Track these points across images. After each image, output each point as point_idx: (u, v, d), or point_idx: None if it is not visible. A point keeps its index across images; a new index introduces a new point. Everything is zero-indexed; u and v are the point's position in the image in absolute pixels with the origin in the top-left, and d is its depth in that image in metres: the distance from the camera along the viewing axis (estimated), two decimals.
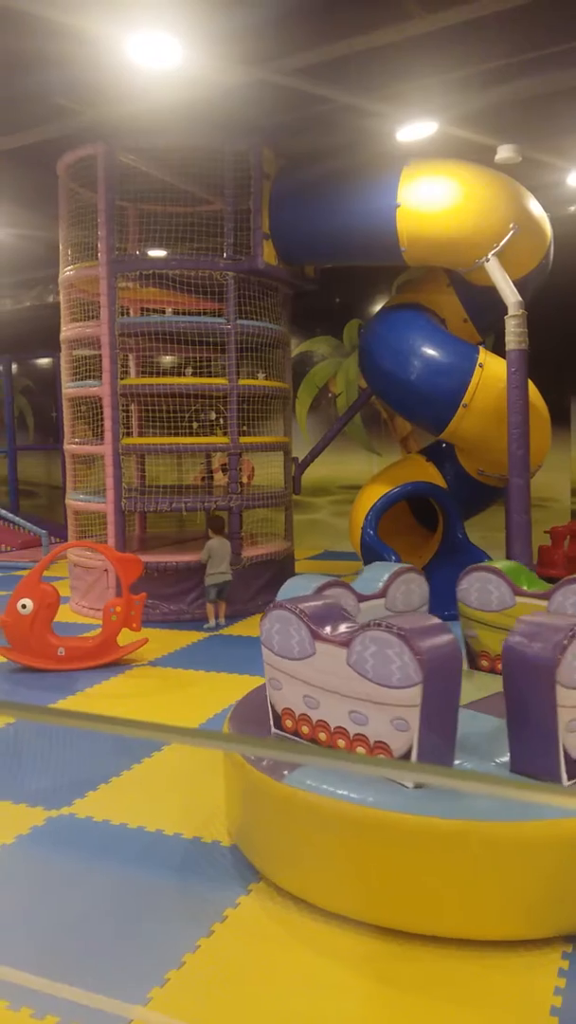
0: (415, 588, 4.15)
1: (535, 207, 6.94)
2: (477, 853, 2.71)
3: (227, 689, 5.35)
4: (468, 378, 6.73)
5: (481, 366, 6.74)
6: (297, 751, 1.52)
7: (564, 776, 2.86)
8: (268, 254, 7.42)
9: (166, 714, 5.02)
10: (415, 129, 6.64)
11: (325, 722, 3.16)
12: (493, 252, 6.59)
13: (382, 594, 4.05)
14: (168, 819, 3.63)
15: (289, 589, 3.81)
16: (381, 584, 4.05)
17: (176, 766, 4.21)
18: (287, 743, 3.16)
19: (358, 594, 3.96)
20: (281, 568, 7.82)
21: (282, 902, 3.01)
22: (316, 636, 3.15)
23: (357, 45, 5.84)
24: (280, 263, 7.56)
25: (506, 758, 3.02)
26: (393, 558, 6.71)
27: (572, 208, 8.24)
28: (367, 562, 7.07)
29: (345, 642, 3.03)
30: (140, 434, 8.26)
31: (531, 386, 6.51)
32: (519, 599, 3.99)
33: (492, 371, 6.67)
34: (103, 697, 5.43)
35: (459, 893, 2.74)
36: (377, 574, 4.14)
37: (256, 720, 3.52)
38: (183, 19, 5.11)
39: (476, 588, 4.13)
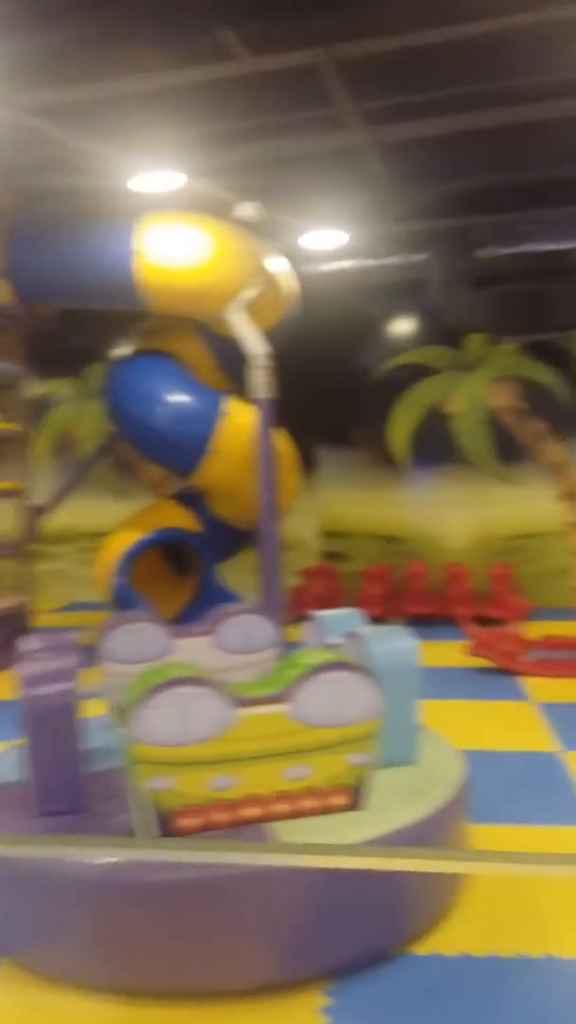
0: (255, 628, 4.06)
1: (278, 264, 7.26)
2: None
3: None
4: (214, 425, 6.80)
5: (227, 414, 6.84)
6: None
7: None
8: (2, 292, 7.08)
9: None
10: (156, 179, 6.69)
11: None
12: (237, 305, 6.77)
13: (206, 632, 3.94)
14: None
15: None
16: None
17: None
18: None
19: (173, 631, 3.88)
20: (15, 624, 7.26)
21: (29, 983, 2.67)
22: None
23: (96, 91, 5.81)
24: (16, 302, 7.23)
25: None
26: (145, 608, 6.52)
27: (313, 267, 8.72)
28: (118, 611, 6.81)
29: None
30: None
31: (279, 433, 6.71)
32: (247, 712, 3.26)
33: (238, 419, 6.79)
34: None
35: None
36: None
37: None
38: None
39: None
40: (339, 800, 2.99)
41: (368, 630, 3.48)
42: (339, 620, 3.82)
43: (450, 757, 3.49)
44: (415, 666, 3.40)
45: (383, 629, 3.52)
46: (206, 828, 2.88)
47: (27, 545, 7.83)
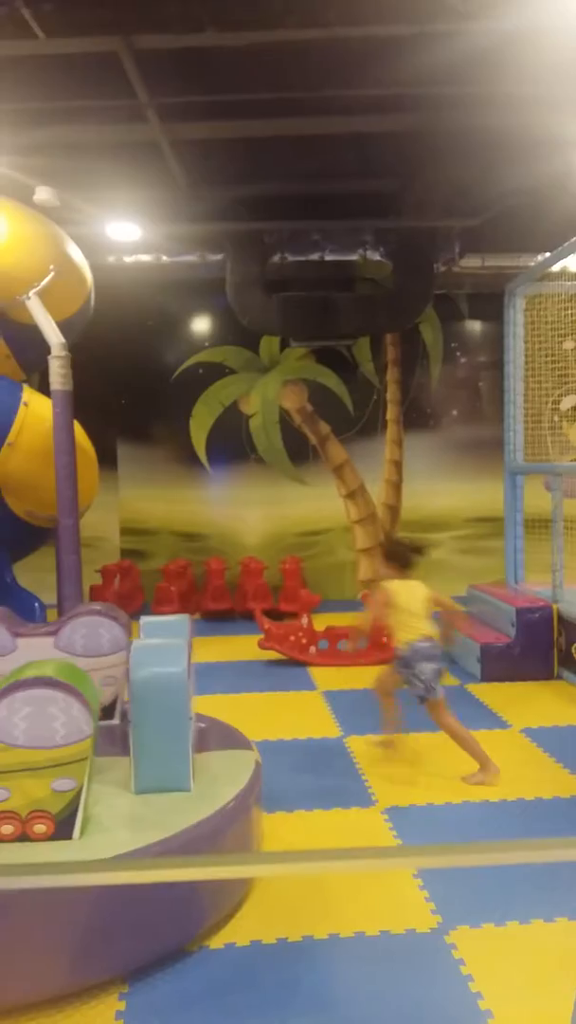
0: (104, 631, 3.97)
1: (75, 252, 7.07)
2: None
3: None
4: (12, 416, 6.53)
5: (26, 404, 6.59)
6: None
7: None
8: None
9: None
10: None
11: None
12: (34, 291, 6.53)
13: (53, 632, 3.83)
14: None
15: None
16: None
17: None
18: None
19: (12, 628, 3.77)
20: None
21: None
22: None
23: None
24: None
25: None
26: None
27: (111, 259, 8.58)
28: None
29: None
30: None
31: (78, 427, 6.56)
32: None
33: (37, 410, 6.57)
34: None
35: None
36: None
37: None
38: None
39: None
40: (41, 828, 2.80)
41: (139, 645, 3.30)
42: (166, 626, 3.72)
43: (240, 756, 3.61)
44: (182, 691, 3.19)
45: (157, 646, 3.31)
46: None
47: None
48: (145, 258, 8.76)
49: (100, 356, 7.84)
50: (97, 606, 3.96)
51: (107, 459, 8.18)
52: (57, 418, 6.23)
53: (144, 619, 3.76)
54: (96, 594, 8.36)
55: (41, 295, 6.54)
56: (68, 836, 2.81)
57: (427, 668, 4.19)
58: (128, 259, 8.75)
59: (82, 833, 2.84)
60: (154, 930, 2.81)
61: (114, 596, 8.34)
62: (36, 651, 3.70)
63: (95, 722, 2.89)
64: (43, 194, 7.00)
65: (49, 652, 3.74)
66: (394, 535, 6.38)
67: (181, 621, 3.77)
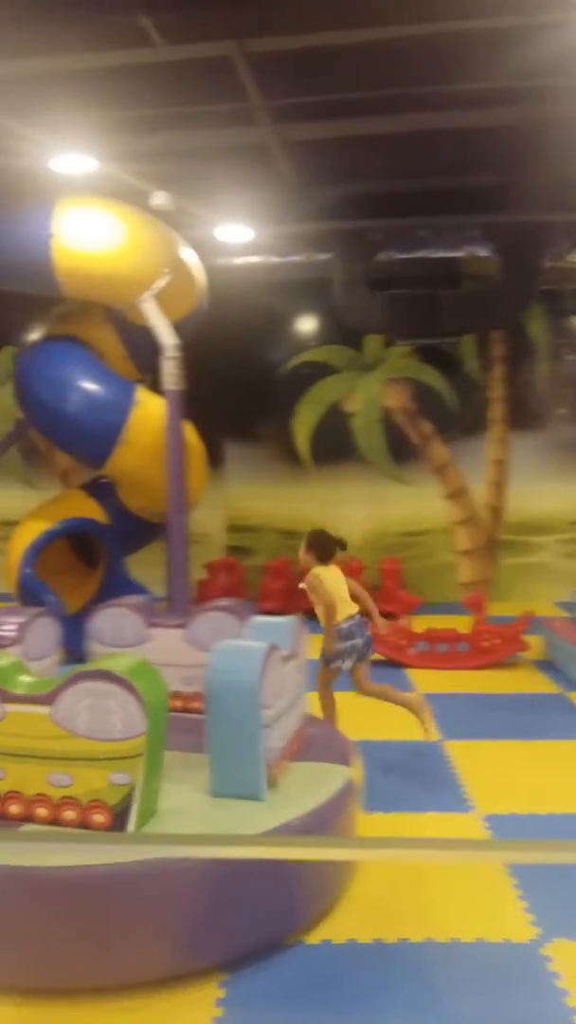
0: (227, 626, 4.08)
1: (189, 255, 7.28)
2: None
3: None
4: (127, 415, 6.80)
5: (139, 404, 6.85)
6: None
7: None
8: None
9: None
10: (71, 162, 6.61)
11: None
12: (150, 294, 6.77)
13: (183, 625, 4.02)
14: None
15: None
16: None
17: None
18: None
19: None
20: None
21: None
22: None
23: (11, 68, 5.68)
24: None
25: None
26: (51, 598, 6.50)
27: (222, 261, 8.77)
28: (25, 603, 6.75)
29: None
30: None
31: (188, 426, 6.77)
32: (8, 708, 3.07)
33: (150, 409, 6.81)
34: None
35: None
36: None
37: None
38: None
39: None
40: (99, 818, 2.86)
41: (219, 648, 3.29)
42: (273, 628, 3.68)
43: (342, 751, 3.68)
44: (253, 698, 3.11)
45: (237, 649, 3.28)
46: None
47: None
48: (254, 259, 8.90)
49: (209, 356, 8.02)
50: (225, 603, 4.09)
51: (215, 457, 8.37)
52: (169, 417, 6.45)
53: (254, 619, 3.82)
54: (202, 589, 8.60)
55: (156, 297, 6.77)
56: (123, 829, 2.87)
57: (359, 641, 4.61)
58: (238, 260, 8.91)
59: (137, 827, 2.88)
60: (255, 922, 2.92)
61: (219, 592, 8.54)
62: (167, 641, 3.91)
63: (156, 721, 2.88)
64: (159, 199, 7.21)
65: (178, 643, 3.90)
66: (317, 526, 6.57)
67: (289, 625, 3.73)
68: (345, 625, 4.54)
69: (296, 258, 8.86)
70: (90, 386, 6.91)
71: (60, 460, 8.47)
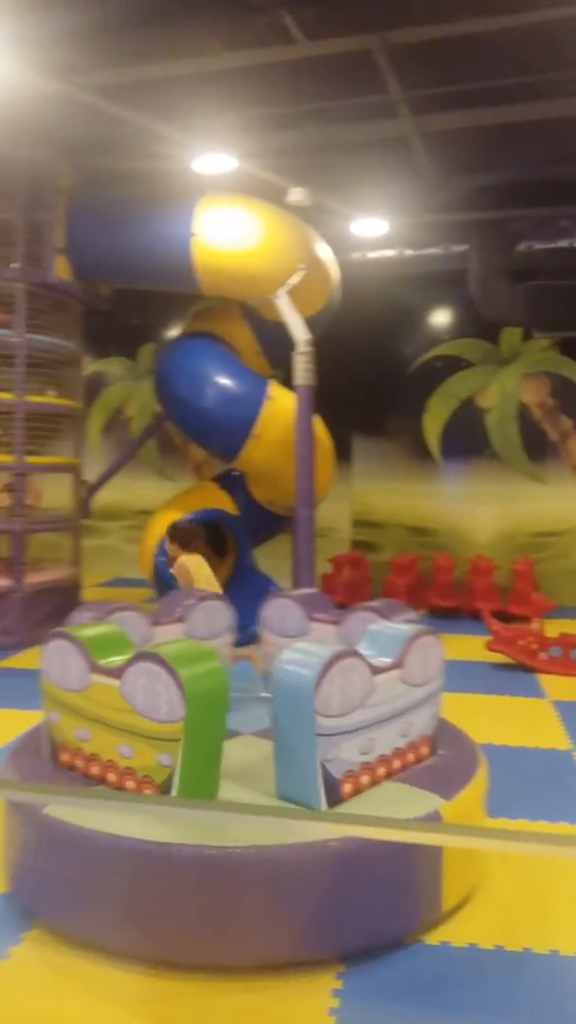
0: (218, 615, 4.20)
1: (324, 250, 7.31)
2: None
3: (4, 725, 5.06)
4: (259, 409, 6.92)
5: (271, 398, 6.95)
6: (63, 793, 1.45)
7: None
8: (61, 269, 7.23)
9: None
10: (211, 161, 6.78)
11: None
12: (284, 289, 6.84)
13: (181, 619, 4.08)
14: None
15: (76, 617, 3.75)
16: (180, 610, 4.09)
17: None
18: (55, 786, 3.09)
19: (152, 618, 3.99)
20: (67, 596, 7.54)
21: (57, 948, 2.88)
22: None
23: (157, 71, 5.88)
24: (74, 279, 7.39)
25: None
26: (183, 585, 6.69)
27: (356, 255, 8.74)
28: (159, 589, 7.01)
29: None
30: None
31: (317, 421, 6.81)
32: (94, 677, 3.20)
33: (281, 404, 6.90)
34: None
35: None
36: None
37: (37, 757, 3.43)
38: None
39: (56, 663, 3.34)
40: (148, 793, 2.97)
41: (292, 647, 3.17)
42: (389, 637, 3.43)
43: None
44: (309, 701, 2.93)
45: (307, 650, 3.11)
46: (71, 769, 3.26)
47: (80, 520, 8.03)
48: (388, 253, 8.83)
49: (340, 351, 8.04)
50: (376, 604, 4.03)
51: (342, 452, 8.39)
52: (299, 411, 6.52)
53: (372, 627, 3.58)
54: (327, 583, 8.63)
55: (290, 293, 6.84)
56: None
57: None
58: (370, 254, 8.86)
59: None
60: (378, 916, 2.90)
61: (343, 586, 8.55)
62: (322, 636, 3.90)
63: (202, 709, 2.90)
64: (296, 195, 7.29)
65: (331, 640, 3.89)
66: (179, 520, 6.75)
67: (406, 635, 3.40)
68: None
69: (432, 250, 8.72)
70: (225, 381, 7.07)
71: (194, 453, 8.73)
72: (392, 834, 1.99)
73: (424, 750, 3.47)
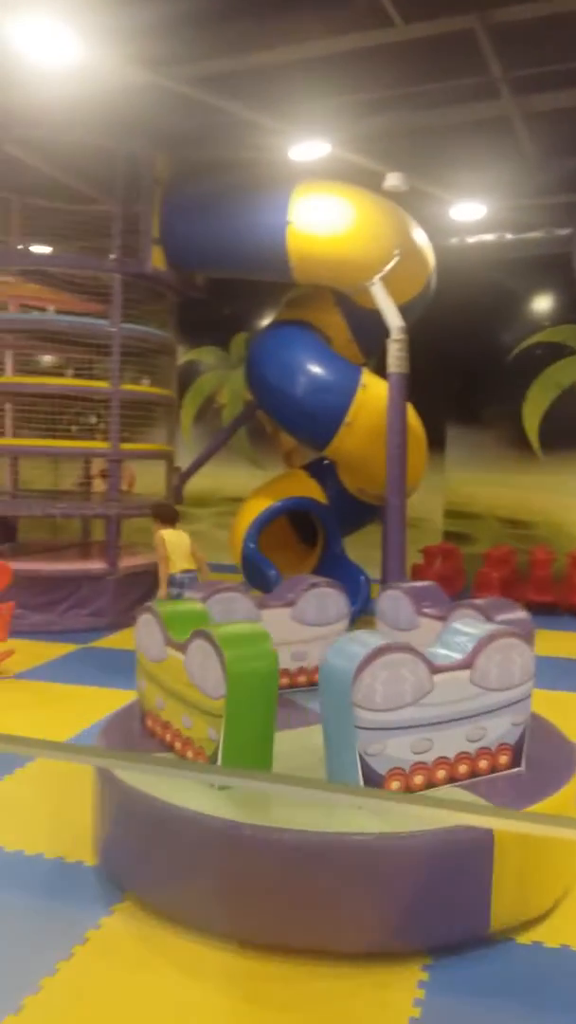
0: (331, 602, 4.19)
1: (420, 236, 7.18)
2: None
3: (98, 703, 5.19)
4: (351, 397, 6.86)
5: (364, 387, 6.88)
6: (160, 764, 1.46)
7: None
8: (157, 259, 7.34)
9: (32, 728, 4.81)
10: (308, 149, 6.74)
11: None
12: (379, 276, 6.76)
13: (290, 603, 4.11)
14: (30, 838, 3.47)
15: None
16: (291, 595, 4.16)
17: (42, 783, 4.04)
18: (154, 758, 3.14)
19: (259, 600, 4.07)
20: (158, 580, 7.65)
21: (147, 921, 2.93)
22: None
23: (255, 60, 5.89)
24: (169, 269, 7.49)
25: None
26: (272, 572, 6.73)
27: (453, 240, 8.56)
28: (247, 575, 7.06)
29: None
30: (14, 435, 7.95)
31: (410, 409, 6.70)
32: (169, 650, 3.36)
33: (374, 392, 6.82)
34: None
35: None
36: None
37: (129, 734, 3.53)
38: (81, 11, 4.99)
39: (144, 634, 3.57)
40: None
41: (342, 638, 3.14)
42: (464, 632, 3.28)
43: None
44: (347, 693, 2.87)
45: (353, 640, 3.02)
46: (153, 735, 3.44)
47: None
48: (488, 237, 8.61)
49: (435, 338, 7.90)
50: (480, 602, 3.87)
51: (436, 441, 8.24)
52: (391, 400, 6.42)
53: (455, 624, 3.40)
54: (418, 574, 8.51)
55: (384, 280, 6.75)
56: (211, 783, 2.97)
57: (185, 589, 5.18)
58: (468, 239, 8.67)
59: (218, 790, 2.95)
60: (467, 912, 2.84)
61: (434, 578, 8.40)
62: (430, 631, 3.78)
63: (244, 689, 2.96)
64: (393, 180, 7.18)
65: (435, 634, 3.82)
66: (161, 498, 6.89)
67: (482, 634, 3.20)
68: (179, 575, 5.57)
69: (533, 234, 8.45)
70: (317, 369, 7.04)
71: (285, 441, 8.73)
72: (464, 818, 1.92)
73: (503, 759, 3.20)
